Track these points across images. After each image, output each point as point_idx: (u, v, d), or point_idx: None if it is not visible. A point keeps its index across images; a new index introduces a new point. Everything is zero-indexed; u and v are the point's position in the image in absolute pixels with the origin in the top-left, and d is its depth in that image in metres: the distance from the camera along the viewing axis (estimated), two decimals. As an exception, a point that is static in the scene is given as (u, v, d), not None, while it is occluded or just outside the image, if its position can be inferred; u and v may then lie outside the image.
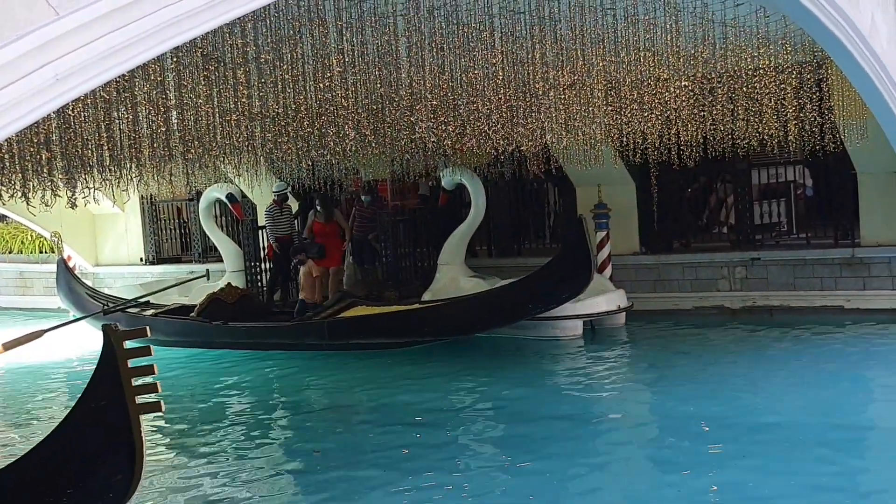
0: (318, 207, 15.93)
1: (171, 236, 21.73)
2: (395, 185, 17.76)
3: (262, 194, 18.40)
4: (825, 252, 15.48)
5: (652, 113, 12.40)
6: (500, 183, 15.92)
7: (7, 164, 12.43)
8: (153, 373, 5.34)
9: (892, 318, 13.99)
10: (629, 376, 12.71)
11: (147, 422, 5.75)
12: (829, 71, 12.07)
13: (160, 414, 6.28)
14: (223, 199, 17.74)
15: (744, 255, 15.99)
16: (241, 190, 17.95)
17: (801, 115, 13.08)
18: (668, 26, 10.07)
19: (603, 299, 14.79)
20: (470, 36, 9.09)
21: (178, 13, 3.87)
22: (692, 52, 11.26)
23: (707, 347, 13.58)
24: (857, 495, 8.05)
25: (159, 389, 5.43)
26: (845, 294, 14.84)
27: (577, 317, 14.54)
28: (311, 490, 8.96)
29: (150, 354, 5.39)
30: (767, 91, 12.65)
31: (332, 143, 11.71)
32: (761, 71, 12.38)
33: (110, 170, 13.36)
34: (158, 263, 21.26)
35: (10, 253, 23.22)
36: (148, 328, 5.90)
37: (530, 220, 17.85)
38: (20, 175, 13.21)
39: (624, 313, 15.01)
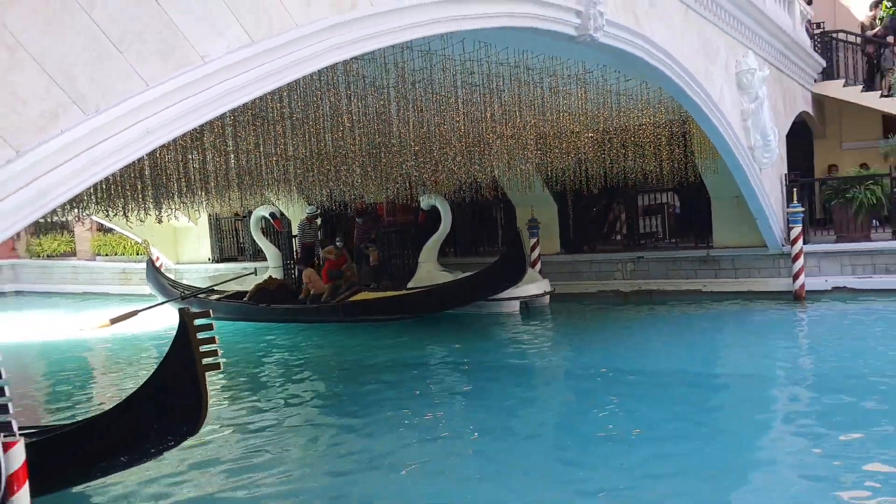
0: (338, 243, 16.07)
1: (230, 243, 21.68)
2: (389, 205, 17.58)
3: (294, 212, 18.44)
4: (688, 252, 15.59)
5: (568, 155, 12.49)
6: (462, 204, 15.90)
7: (112, 192, 12.44)
8: (215, 342, 5.28)
9: (734, 298, 14.14)
10: (551, 339, 12.88)
11: (210, 377, 5.61)
12: (691, 126, 12.23)
13: (220, 371, 6.14)
14: (267, 216, 17.68)
15: (632, 255, 16.05)
16: (279, 209, 17.89)
17: (672, 156, 13.18)
18: (579, 95, 10.12)
19: (534, 286, 14.75)
20: (441, 101, 9.03)
21: (234, 86, 3.81)
22: (596, 113, 11.33)
23: (606, 319, 13.73)
24: (706, 419, 8.09)
25: (219, 354, 5.35)
26: (702, 281, 14.93)
27: (516, 298, 14.51)
28: (331, 412, 8.94)
29: (213, 329, 5.31)
30: (648, 140, 12.79)
31: (343, 177, 11.75)
32: (644, 126, 12.50)
33: (186, 196, 13.35)
34: (221, 262, 21.20)
35: (115, 255, 23.07)
36: (211, 310, 5.76)
37: (484, 231, 17.74)
38: (122, 199, 13.27)
39: (548, 296, 14.95)
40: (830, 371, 9.48)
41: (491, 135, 10.78)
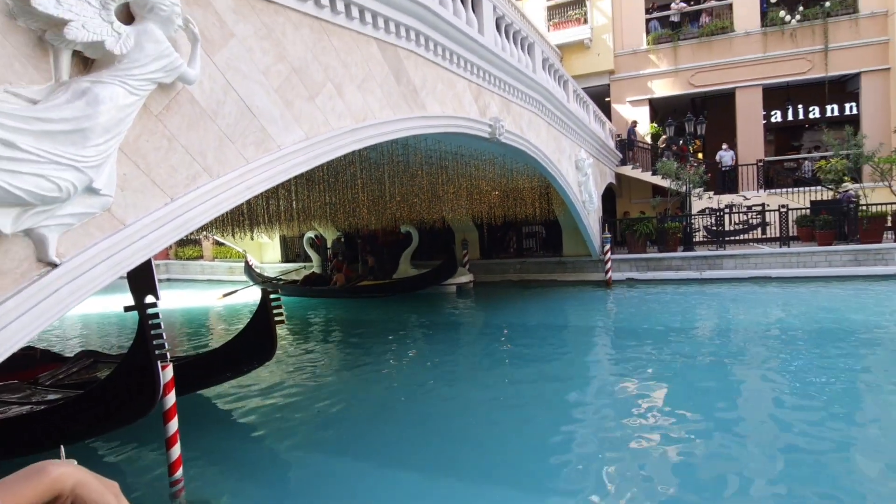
0: (340, 258, 16.22)
1: (293, 251, 21.30)
2: (383, 230, 17.46)
3: (328, 234, 18.13)
4: (550, 258, 15.63)
5: (483, 204, 12.46)
6: (423, 229, 15.76)
7: (225, 222, 12.11)
8: (281, 308, 5.27)
9: (574, 284, 14.29)
10: (475, 308, 12.83)
11: (279, 329, 5.60)
12: (551, 188, 12.21)
13: (285, 324, 6.13)
14: (313, 236, 17.50)
15: (519, 260, 16.11)
16: (320, 232, 17.68)
17: (541, 204, 13.31)
18: (490, 170, 10.16)
19: (464, 277, 14.80)
20: (412, 172, 9.04)
21: (296, 163, 3.78)
22: (500, 180, 11.37)
23: (504, 295, 13.76)
24: (556, 347, 8.17)
25: (283, 315, 5.34)
26: (557, 274, 15.04)
27: (454, 284, 14.50)
28: (346, 342, 8.87)
29: (280, 301, 5.29)
30: (528, 195, 12.84)
31: (356, 215, 11.62)
32: (526, 188, 12.58)
33: (267, 225, 13.13)
34: (286, 262, 20.80)
35: (226, 258, 22.60)
36: (278, 290, 5.78)
37: (437, 246, 17.64)
38: (231, 227, 12.91)
39: (472, 283, 15.00)
40: (625, 323, 9.74)
41: (441, 192, 10.85)
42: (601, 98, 17.75)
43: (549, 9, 18.27)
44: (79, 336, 11.38)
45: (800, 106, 17.08)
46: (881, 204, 12.75)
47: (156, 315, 3.97)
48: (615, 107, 18.07)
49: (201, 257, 23.54)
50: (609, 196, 17.09)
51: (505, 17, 7.66)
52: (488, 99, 7.20)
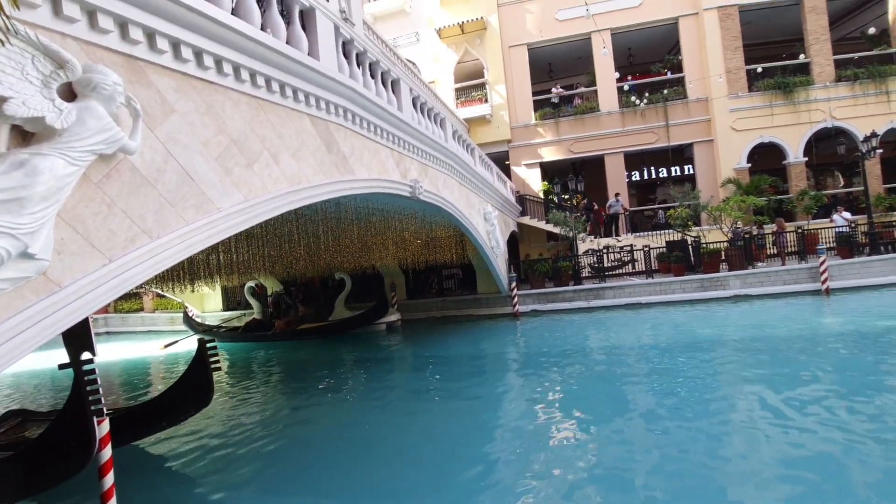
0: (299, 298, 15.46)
1: (234, 299, 19.92)
2: (319, 277, 16.78)
3: (269, 283, 17.24)
4: (467, 296, 15.73)
5: (407, 251, 12.45)
6: (355, 275, 15.43)
7: (165, 278, 11.17)
8: (217, 355, 4.92)
9: (488, 318, 14.44)
10: (404, 343, 12.55)
11: (216, 375, 5.17)
12: (465, 237, 12.32)
13: (227, 370, 5.65)
14: (254, 285, 16.49)
15: (440, 299, 16.11)
16: (261, 282, 16.78)
17: (457, 251, 13.48)
18: (412, 222, 10.22)
19: (393, 316, 14.56)
20: (345, 227, 8.91)
21: (235, 223, 3.63)
22: (422, 230, 11.43)
23: (431, 331, 13.62)
24: (476, 372, 8.17)
25: (219, 362, 4.97)
26: (473, 310, 15.16)
27: (384, 322, 14.21)
28: (285, 383, 8.33)
29: (216, 348, 4.94)
30: (446, 243, 12.96)
31: (296, 267, 11.18)
32: (443, 237, 12.70)
33: (207, 279, 12.21)
34: (227, 311, 19.39)
35: (167, 310, 20.67)
36: (216, 338, 5.40)
37: (368, 289, 17.22)
38: (171, 281, 11.92)
39: (400, 321, 14.78)
40: (531, 348, 9.97)
41: (370, 241, 10.77)
42: (502, 162, 18.71)
43: (457, 90, 19.30)
44: (6, 396, 9.82)
45: (652, 167, 18.99)
46: (716, 242, 14.32)
47: (92, 371, 3.57)
48: (513, 168, 19.09)
49: (142, 310, 21.43)
50: (513, 241, 17.75)
51: (420, 97, 8.00)
52: (409, 164, 7.38)
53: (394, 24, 19.93)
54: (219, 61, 3.52)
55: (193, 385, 5.03)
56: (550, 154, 18.81)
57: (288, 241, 8.88)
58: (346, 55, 5.69)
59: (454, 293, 17.08)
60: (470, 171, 10.82)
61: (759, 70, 17.19)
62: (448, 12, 19.27)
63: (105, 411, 3.72)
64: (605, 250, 15.60)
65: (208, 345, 4.94)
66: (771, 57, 17.78)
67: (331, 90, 4.96)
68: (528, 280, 15.25)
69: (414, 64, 17.90)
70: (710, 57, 17.17)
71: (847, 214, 14.58)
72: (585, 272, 15.39)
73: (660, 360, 7.81)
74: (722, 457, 4.37)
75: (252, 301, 16.91)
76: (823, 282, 12.49)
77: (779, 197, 16.65)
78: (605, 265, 15.34)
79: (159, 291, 17.52)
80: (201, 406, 5.18)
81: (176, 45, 3.14)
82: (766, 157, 17.15)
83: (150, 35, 2.96)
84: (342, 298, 14.86)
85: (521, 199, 18.09)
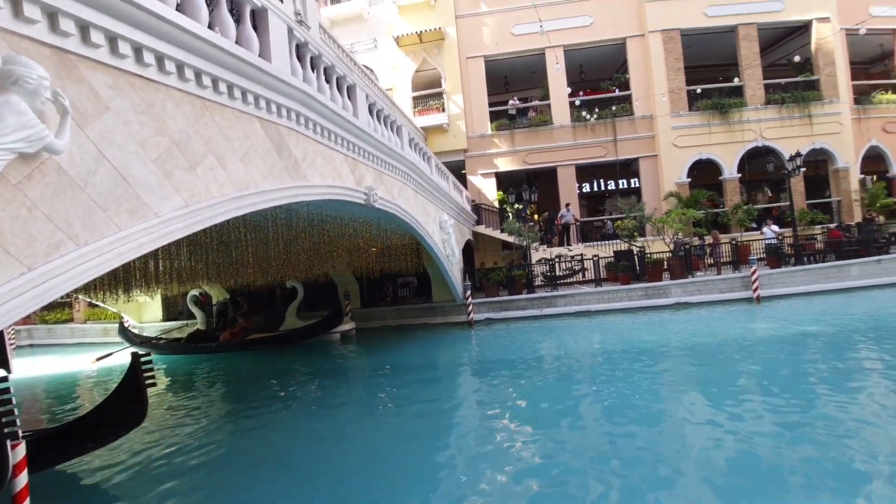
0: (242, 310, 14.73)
1: (175, 309, 18.83)
2: (268, 285, 16.21)
3: (214, 292, 16.45)
4: (422, 304, 15.68)
5: (362, 259, 12.27)
6: (308, 284, 15.02)
7: (96, 287, 10.43)
8: (152, 370, 4.60)
9: (443, 326, 14.44)
10: (358, 353, 12.37)
11: (151, 391, 4.84)
12: (421, 245, 12.23)
13: (158, 387, 5.29)
14: (198, 294, 15.72)
15: (395, 307, 15.97)
16: (206, 291, 15.99)
17: (412, 259, 13.42)
18: (367, 230, 10.08)
19: (347, 325, 14.25)
20: (297, 234, 8.68)
21: (175, 229, 3.44)
22: (378, 238, 11.30)
23: (386, 339, 13.48)
24: (432, 377, 8.12)
25: (154, 376, 4.66)
26: (428, 318, 15.11)
27: (338, 332, 13.87)
28: (231, 395, 7.93)
29: (151, 362, 4.64)
30: (401, 251, 12.87)
31: (243, 275, 10.72)
32: (398, 245, 12.61)
33: (144, 287, 11.47)
34: (168, 321, 18.31)
35: (100, 320, 19.27)
36: (158, 350, 5.06)
37: (321, 297, 16.76)
38: (103, 290, 11.15)
39: (354, 330, 14.50)
40: (485, 356, 10.05)
41: (323, 250, 10.51)
42: (458, 171, 18.88)
43: (415, 98, 19.33)
44: None
45: (601, 180, 19.77)
46: (659, 252, 15.05)
47: (6, 390, 3.24)
48: (469, 178, 19.29)
49: (71, 320, 19.81)
50: (468, 250, 17.89)
51: (377, 104, 7.94)
52: (364, 171, 7.29)
53: (351, 30, 19.74)
54: (160, 58, 3.34)
55: (124, 402, 4.67)
56: (506, 164, 19.18)
57: (235, 248, 8.51)
58: (301, 58, 5.55)
59: (409, 301, 16.92)
60: (426, 180, 10.82)
61: (699, 91, 18.35)
62: (407, 21, 19.32)
63: (21, 434, 3.38)
64: (557, 259, 16.02)
65: (143, 358, 4.61)
66: (709, 79, 19.02)
67: (283, 93, 4.82)
68: (483, 289, 15.38)
69: (371, 70, 17.77)
70: (655, 77, 18.16)
71: (775, 227, 15.75)
72: (538, 281, 15.72)
73: (607, 367, 8.07)
74: (659, 458, 4.56)
75: (195, 311, 16.08)
76: (755, 290, 13.40)
77: (715, 210, 17.76)
78: (557, 274, 15.74)
79: (90, 300, 16.30)
80: (133, 425, 4.81)
81: (113, 39, 2.95)
82: (705, 173, 18.28)
83: (84, 27, 2.76)
84: (294, 307, 14.41)
85: (477, 209, 18.27)
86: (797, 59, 18.79)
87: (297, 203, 6.10)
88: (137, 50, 3.14)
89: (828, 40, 18.04)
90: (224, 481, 4.87)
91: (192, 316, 16.80)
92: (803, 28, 18.62)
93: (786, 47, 19.87)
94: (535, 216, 19.71)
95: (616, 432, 5.26)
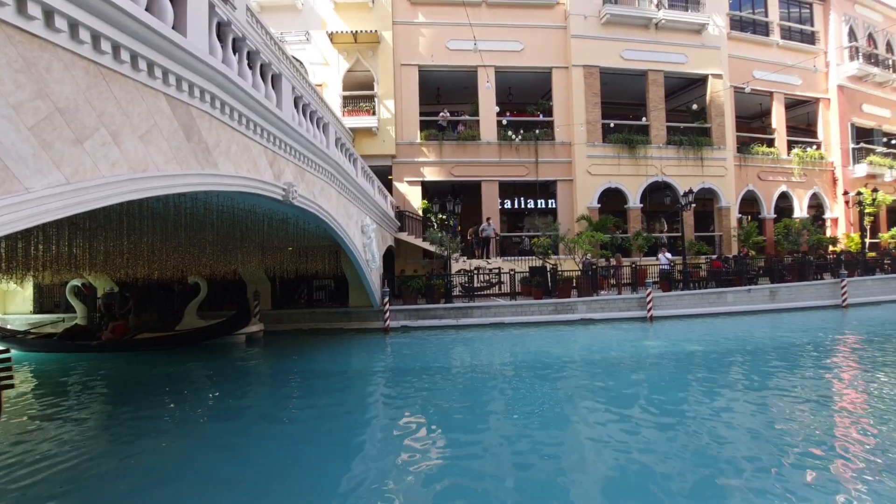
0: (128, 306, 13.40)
1: (51, 300, 16.55)
2: (165, 279, 14.92)
3: (99, 283, 14.68)
4: (338, 308, 15.24)
5: (276, 258, 11.73)
6: (214, 281, 14.01)
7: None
8: (10, 370, 4.01)
9: (359, 332, 14.11)
10: (265, 357, 11.68)
11: (7, 393, 4.16)
12: (340, 248, 11.98)
13: (16, 389, 4.57)
14: (79, 284, 13.96)
15: (309, 310, 15.34)
16: (90, 282, 14.22)
17: (331, 262, 13.07)
18: (283, 228, 9.66)
19: (254, 327, 13.43)
20: (202, 225, 8.04)
21: (51, 208, 3.04)
22: (295, 238, 10.87)
23: (296, 344, 12.91)
24: (340, 387, 7.85)
25: (13, 377, 4.05)
26: (344, 323, 14.73)
27: (244, 334, 13.01)
28: (116, 401, 7.05)
29: (10, 361, 4.03)
30: (319, 252, 12.52)
31: (135, 267, 9.72)
32: (317, 246, 12.22)
33: (13, 273, 9.98)
34: (41, 313, 16.08)
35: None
36: (10, 349, 4.37)
37: (228, 296, 15.69)
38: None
39: (262, 332, 13.71)
40: (400, 364, 9.96)
41: (233, 246, 9.85)
42: (385, 176, 18.72)
43: (345, 98, 18.91)
44: None
45: (522, 198, 20.67)
46: (570, 270, 16.00)
47: None
48: (395, 184, 19.20)
49: None
50: (389, 256, 17.73)
51: (303, 98, 7.63)
52: (284, 165, 6.94)
53: (283, 19, 18.91)
54: (49, 13, 2.92)
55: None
56: (432, 174, 19.36)
57: (129, 235, 7.66)
58: (222, 38, 5.18)
59: (324, 305, 16.39)
60: (351, 181, 10.59)
61: (612, 125, 19.97)
62: (342, 18, 18.93)
63: None
64: (475, 271, 16.40)
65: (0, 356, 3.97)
66: (622, 115, 20.77)
67: (197, 72, 4.45)
68: (402, 296, 15.30)
69: (301, 63, 17.12)
70: (575, 107, 19.47)
71: (669, 255, 17.47)
72: (457, 291, 15.97)
73: (516, 378, 8.37)
74: (560, 466, 4.79)
75: (75, 303, 14.26)
76: (649, 311, 14.71)
77: (620, 235, 19.32)
78: (475, 285, 16.11)
79: (-63, 285, 13.79)
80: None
81: (-15, -20, 2.53)
82: (612, 200, 19.85)
83: (-54, -40, 2.34)
84: (194, 305, 13.29)
85: (401, 215, 18.21)
86: (695, 107, 21.21)
87: (205, 192, 5.66)
88: (20, 0, 2.72)
89: (720, 94, 20.56)
90: (86, 499, 4.29)
91: (71, 309, 14.86)
92: (701, 81, 21.07)
93: (687, 95, 22.33)
94: (459, 227, 20.07)
95: (517, 436, 5.45)
